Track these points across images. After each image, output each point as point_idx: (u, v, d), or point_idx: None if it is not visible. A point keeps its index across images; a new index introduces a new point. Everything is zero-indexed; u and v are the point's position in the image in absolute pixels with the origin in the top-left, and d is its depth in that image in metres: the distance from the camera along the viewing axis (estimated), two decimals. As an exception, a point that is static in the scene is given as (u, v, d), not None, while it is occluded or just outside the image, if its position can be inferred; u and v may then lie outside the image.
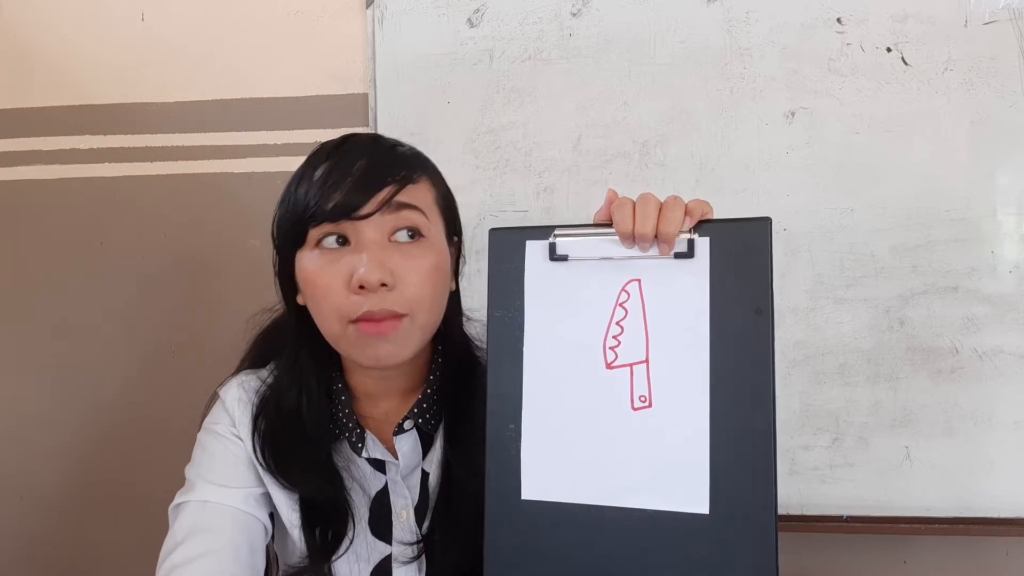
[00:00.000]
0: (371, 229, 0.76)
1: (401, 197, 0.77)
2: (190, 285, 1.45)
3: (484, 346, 0.82)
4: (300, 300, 0.83)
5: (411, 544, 0.83)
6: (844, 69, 1.28)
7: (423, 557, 0.83)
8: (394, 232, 0.77)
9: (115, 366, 1.47)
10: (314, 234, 0.77)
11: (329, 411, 0.85)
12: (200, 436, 0.87)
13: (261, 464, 0.83)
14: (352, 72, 1.39)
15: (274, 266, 0.86)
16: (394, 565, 0.83)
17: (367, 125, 1.38)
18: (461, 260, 0.89)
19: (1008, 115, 1.25)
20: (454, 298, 0.87)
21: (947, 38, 1.26)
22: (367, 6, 1.37)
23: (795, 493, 1.31)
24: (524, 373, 0.71)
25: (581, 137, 1.33)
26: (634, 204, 0.70)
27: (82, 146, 1.46)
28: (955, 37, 1.26)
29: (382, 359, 0.77)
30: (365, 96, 1.38)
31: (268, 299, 1.43)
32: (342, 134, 0.84)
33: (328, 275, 0.76)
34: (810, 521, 1.31)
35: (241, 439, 0.85)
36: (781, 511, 1.36)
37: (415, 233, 0.78)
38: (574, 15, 1.33)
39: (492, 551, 0.70)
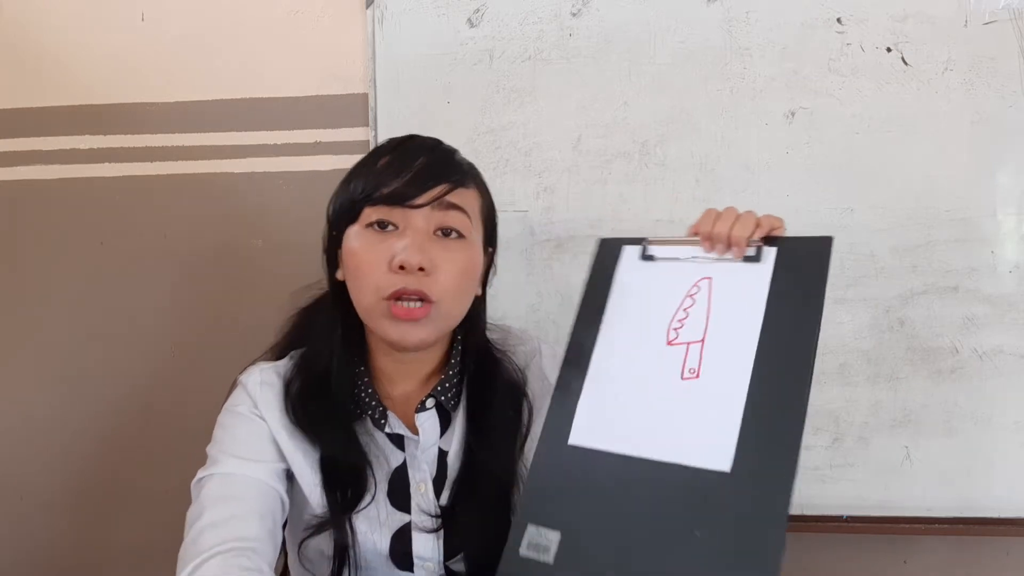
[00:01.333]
0: (420, 219, 0.84)
1: (452, 197, 0.85)
2: (190, 285, 1.45)
3: (504, 350, 0.96)
4: (340, 276, 0.90)
5: (431, 515, 0.88)
6: (844, 69, 1.28)
7: (440, 526, 0.88)
8: (439, 227, 0.85)
9: (115, 366, 1.47)
10: (368, 213, 0.85)
11: (352, 390, 0.91)
12: (221, 418, 0.91)
13: (291, 418, 0.88)
14: (352, 72, 1.39)
15: (324, 241, 0.93)
16: (414, 532, 0.88)
17: (367, 125, 1.38)
18: (492, 270, 0.96)
19: (1008, 115, 1.25)
20: (479, 303, 0.94)
21: (947, 38, 1.26)
22: (367, 6, 1.37)
23: (795, 493, 1.31)
24: (599, 337, 0.82)
25: (581, 137, 1.33)
26: (719, 214, 0.82)
27: (82, 146, 1.46)
28: (955, 37, 1.26)
29: (407, 337, 0.85)
30: (365, 96, 1.38)
31: (268, 299, 1.43)
32: (403, 135, 0.92)
33: (373, 253, 0.84)
34: (810, 521, 1.31)
35: (264, 418, 0.89)
36: (781, 511, 1.35)
37: (457, 233, 0.86)
38: (574, 15, 1.33)
39: (533, 490, 0.78)
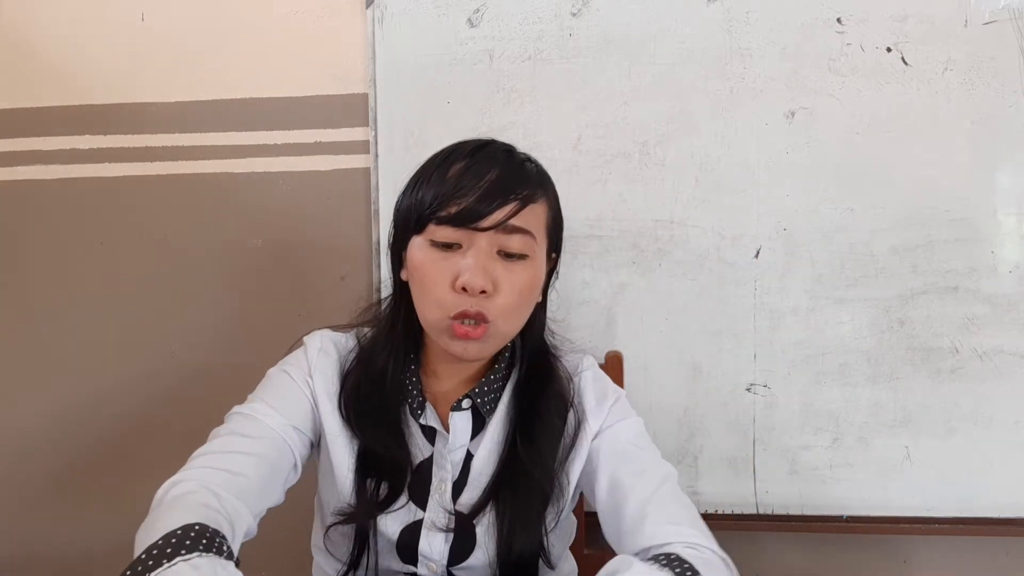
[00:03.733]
0: (484, 240, 0.83)
1: (517, 220, 0.84)
2: (190, 285, 1.45)
3: (560, 354, 0.97)
4: (404, 276, 0.90)
5: (446, 515, 0.88)
6: (844, 69, 1.28)
7: (452, 530, 0.88)
8: (501, 250, 0.85)
9: (115, 366, 1.47)
10: (433, 230, 0.84)
11: (402, 382, 0.92)
12: (271, 371, 0.94)
13: (342, 414, 0.90)
14: (352, 72, 1.39)
15: (389, 238, 0.94)
16: (424, 529, 0.89)
17: (367, 125, 1.38)
18: (555, 275, 0.97)
19: (1008, 115, 1.25)
20: (539, 308, 0.95)
21: (947, 38, 1.26)
22: (367, 6, 1.37)
23: (795, 493, 1.31)
24: None
25: (581, 137, 1.33)
26: None
27: (82, 146, 1.46)
28: (955, 37, 1.26)
29: (466, 354, 0.86)
30: (365, 96, 1.38)
31: (268, 299, 1.43)
32: (482, 139, 0.90)
33: (436, 270, 0.84)
34: (810, 521, 1.31)
35: (311, 385, 0.91)
36: (781, 511, 1.37)
37: (519, 255, 0.85)
38: (574, 15, 1.33)
39: None
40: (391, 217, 0.93)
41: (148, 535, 0.73)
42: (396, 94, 1.36)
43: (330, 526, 0.89)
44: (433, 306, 0.85)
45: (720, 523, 1.31)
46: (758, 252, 1.30)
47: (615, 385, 0.98)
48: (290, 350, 0.96)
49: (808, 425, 1.31)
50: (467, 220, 0.82)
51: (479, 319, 0.83)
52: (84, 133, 1.46)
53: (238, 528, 0.77)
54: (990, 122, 1.26)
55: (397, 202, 0.91)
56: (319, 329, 0.97)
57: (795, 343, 1.30)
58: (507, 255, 0.85)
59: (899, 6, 1.27)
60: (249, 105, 1.42)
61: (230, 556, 0.71)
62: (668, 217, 1.32)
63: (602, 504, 0.89)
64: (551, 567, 0.92)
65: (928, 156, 1.27)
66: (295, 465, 0.88)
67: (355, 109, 1.39)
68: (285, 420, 0.87)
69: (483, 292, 0.83)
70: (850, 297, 1.29)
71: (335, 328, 0.98)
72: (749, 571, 1.37)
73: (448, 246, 0.84)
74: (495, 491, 0.89)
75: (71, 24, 1.45)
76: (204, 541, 0.70)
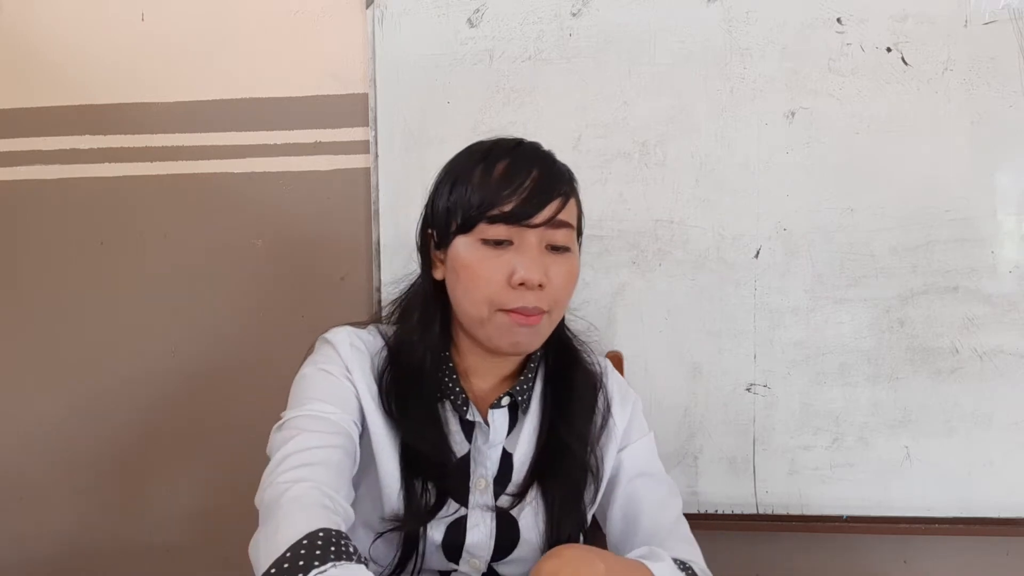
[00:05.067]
0: (534, 236, 0.86)
1: (563, 215, 0.87)
2: (190, 285, 1.45)
3: (580, 339, 1.00)
4: (438, 275, 0.91)
5: (489, 511, 0.89)
6: (844, 69, 1.28)
7: (495, 525, 0.89)
8: (549, 244, 0.87)
9: (116, 366, 1.47)
10: (484, 228, 0.85)
11: (440, 381, 0.92)
12: (307, 371, 0.90)
13: (385, 409, 0.88)
14: (352, 72, 1.39)
15: (417, 238, 0.94)
16: (468, 526, 0.89)
17: (367, 125, 1.38)
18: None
19: (1008, 115, 1.25)
20: None
21: (947, 38, 1.26)
22: (367, 6, 1.37)
23: (795, 493, 1.31)
24: None
25: (581, 137, 1.33)
26: None
27: (82, 146, 1.46)
28: (955, 37, 1.26)
29: (520, 346, 0.88)
30: (365, 96, 1.38)
31: (268, 298, 1.43)
32: (515, 138, 0.92)
33: (490, 268, 0.85)
34: (810, 521, 1.31)
35: (352, 380, 0.89)
36: (781, 511, 1.37)
37: (565, 248, 0.89)
38: (574, 15, 1.33)
39: None
40: (420, 217, 0.94)
41: (271, 544, 0.70)
42: (396, 94, 1.36)
43: (380, 534, 0.88)
44: (483, 302, 0.86)
45: (720, 523, 1.31)
46: (758, 252, 1.30)
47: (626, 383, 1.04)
48: (309, 350, 0.93)
49: (808, 425, 1.31)
50: (520, 218, 0.84)
51: (538, 312, 0.86)
52: (84, 133, 1.46)
53: (351, 524, 0.78)
54: (990, 122, 1.26)
55: (429, 204, 0.92)
56: (339, 327, 0.94)
57: (795, 343, 1.30)
58: (553, 248, 0.87)
59: (899, 6, 1.27)
60: (249, 105, 1.42)
61: (360, 559, 0.70)
62: (668, 217, 1.31)
63: (615, 517, 0.94)
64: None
65: (928, 156, 1.27)
66: (355, 458, 0.87)
67: (355, 109, 1.39)
68: (346, 415, 0.86)
69: (540, 286, 0.85)
70: (850, 297, 1.29)
71: (355, 325, 0.96)
72: (749, 571, 1.37)
73: (499, 243, 0.85)
74: (536, 476, 0.90)
75: (71, 24, 1.45)
76: (332, 548, 0.69)
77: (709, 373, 1.32)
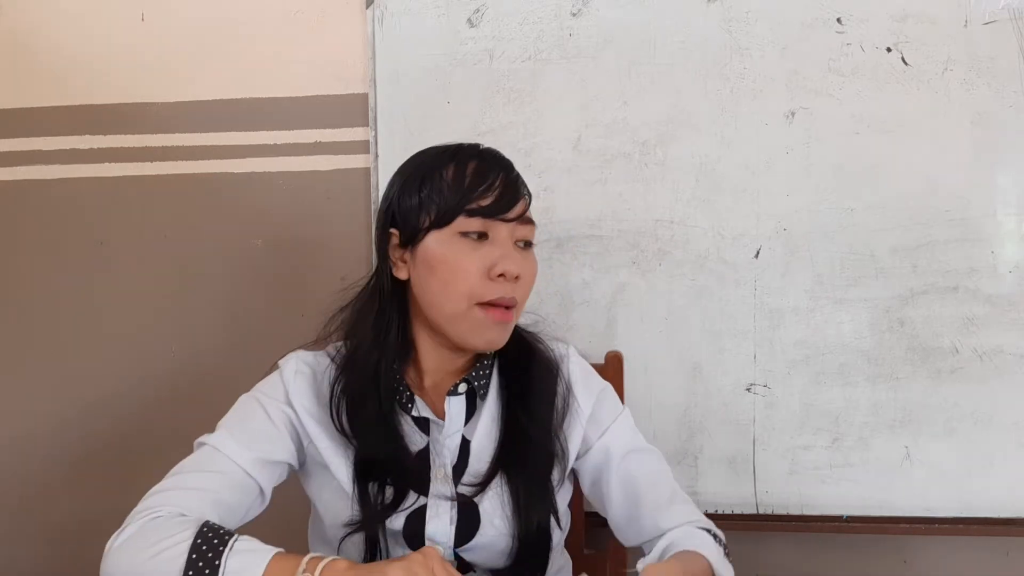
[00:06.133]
0: (507, 231, 0.89)
1: (529, 213, 0.92)
2: (190, 285, 1.45)
3: (533, 333, 1.00)
4: (401, 274, 0.92)
5: (449, 500, 0.90)
6: (844, 69, 1.28)
7: (455, 512, 0.90)
8: (520, 239, 0.91)
9: (115, 366, 1.47)
10: (463, 222, 0.87)
11: (393, 384, 0.93)
12: (243, 397, 0.95)
13: (336, 425, 0.90)
14: (352, 72, 1.39)
15: (376, 240, 0.96)
16: (428, 514, 0.90)
17: (367, 125, 1.38)
18: None
19: (1008, 115, 1.25)
20: None
21: (947, 38, 1.26)
22: (367, 6, 1.37)
23: (795, 493, 1.31)
24: None
25: (581, 137, 1.33)
26: None
27: (82, 146, 1.46)
28: (955, 37, 1.26)
29: (495, 342, 0.91)
30: (365, 96, 1.38)
31: (268, 299, 1.43)
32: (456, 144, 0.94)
33: (468, 260, 0.87)
34: (810, 521, 1.31)
35: (294, 409, 0.92)
36: (781, 511, 1.37)
37: (529, 243, 0.93)
38: (574, 15, 1.33)
39: None
40: (375, 219, 0.95)
41: (153, 556, 0.76)
42: (396, 94, 1.36)
43: (342, 539, 0.89)
44: (461, 296, 0.87)
45: (720, 523, 1.30)
46: (758, 252, 1.30)
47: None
48: (266, 373, 0.96)
49: (808, 425, 1.30)
50: (497, 212, 0.88)
51: (512, 304, 0.89)
52: (84, 133, 1.46)
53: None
54: (990, 122, 1.26)
55: (390, 204, 0.93)
56: (293, 352, 0.97)
57: (795, 343, 1.30)
58: (523, 244, 0.92)
59: (899, 6, 1.27)
60: (249, 105, 1.42)
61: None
62: (668, 217, 1.32)
63: (616, 501, 0.96)
64: (561, 528, 0.95)
65: (928, 156, 1.27)
66: (260, 495, 0.90)
67: (355, 109, 1.39)
68: (251, 454, 0.88)
69: (516, 279, 0.88)
70: (850, 297, 1.29)
71: (307, 347, 0.98)
72: (749, 571, 1.37)
73: (477, 236, 0.88)
74: (500, 464, 0.91)
75: (71, 24, 1.45)
76: (222, 531, 0.77)
77: (709, 373, 1.32)
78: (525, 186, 0.94)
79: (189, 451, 0.91)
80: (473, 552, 0.91)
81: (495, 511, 0.90)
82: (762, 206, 1.30)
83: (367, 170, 1.39)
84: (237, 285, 1.44)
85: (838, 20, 1.28)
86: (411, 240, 0.90)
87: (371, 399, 0.90)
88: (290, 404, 0.92)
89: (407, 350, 0.95)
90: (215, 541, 0.75)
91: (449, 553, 0.90)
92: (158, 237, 1.46)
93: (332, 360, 0.95)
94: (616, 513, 0.96)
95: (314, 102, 1.41)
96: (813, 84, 1.28)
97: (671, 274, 1.32)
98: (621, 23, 1.32)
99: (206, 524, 0.77)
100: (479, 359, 0.97)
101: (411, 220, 0.90)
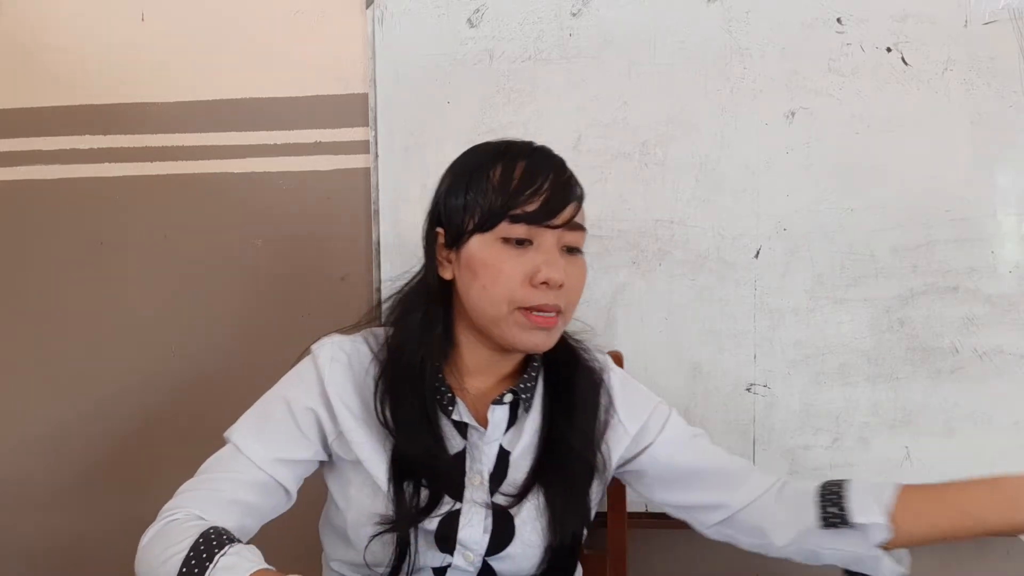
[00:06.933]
0: (553, 237, 0.87)
1: (578, 218, 0.90)
2: (190, 285, 1.45)
3: (576, 338, 1.00)
4: (446, 274, 0.91)
5: (484, 506, 0.89)
6: (844, 69, 1.28)
7: (490, 521, 0.89)
8: (566, 245, 0.89)
9: (115, 366, 1.47)
10: (506, 228, 0.86)
11: (434, 383, 0.92)
12: (273, 391, 0.94)
13: (379, 418, 0.89)
14: (352, 72, 1.39)
15: (424, 237, 0.94)
16: (461, 519, 0.89)
17: (367, 125, 1.38)
18: None
19: (1008, 115, 1.25)
20: None
21: (947, 38, 1.26)
22: (367, 6, 1.37)
23: (795, 493, 1.31)
24: None
25: (581, 137, 1.33)
26: None
27: (82, 146, 1.46)
28: (955, 37, 1.26)
29: (539, 346, 0.89)
30: (365, 96, 1.38)
31: (268, 298, 1.43)
32: (506, 140, 0.93)
33: (512, 267, 0.86)
34: (810, 521, 1.30)
35: (327, 396, 0.90)
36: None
37: (578, 250, 0.92)
38: (574, 15, 1.33)
39: None
40: (426, 215, 0.93)
41: (165, 561, 0.78)
42: (396, 94, 1.36)
43: (372, 536, 0.88)
44: (503, 301, 0.86)
45: (720, 523, 1.31)
46: (758, 252, 1.30)
47: (633, 379, 1.04)
48: (298, 358, 0.94)
49: (808, 425, 1.31)
50: (542, 218, 0.86)
51: (557, 311, 0.87)
52: (84, 133, 1.46)
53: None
54: (990, 122, 1.26)
55: (438, 203, 0.92)
56: (328, 336, 0.95)
57: (795, 343, 1.30)
58: (569, 250, 0.89)
59: (899, 6, 1.27)
60: (249, 105, 1.42)
61: (240, 542, 0.78)
62: (668, 217, 1.32)
63: (678, 491, 0.98)
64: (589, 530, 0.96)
65: (928, 156, 1.27)
66: (285, 494, 0.90)
67: (355, 109, 1.39)
68: (273, 455, 0.88)
69: (560, 286, 0.86)
70: (850, 297, 1.29)
71: (343, 331, 0.96)
72: (749, 571, 1.37)
73: (520, 242, 0.86)
74: (538, 476, 0.91)
75: (71, 24, 1.45)
76: (224, 536, 0.78)
77: (709, 373, 1.32)
78: (578, 186, 0.91)
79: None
80: (503, 561, 0.90)
81: (530, 522, 0.90)
82: (762, 206, 1.30)
83: (367, 170, 1.39)
84: (237, 285, 1.44)
85: (838, 20, 1.28)
86: (456, 241, 0.89)
87: (413, 396, 0.89)
88: (324, 393, 0.90)
89: (450, 350, 0.94)
90: (204, 556, 0.75)
91: (478, 561, 0.89)
92: (158, 237, 1.46)
93: (371, 349, 0.93)
94: (693, 501, 0.97)
95: (314, 102, 1.41)
96: (813, 84, 1.28)
97: (671, 274, 1.32)
98: (621, 23, 1.32)
99: (203, 534, 0.77)
100: (526, 367, 0.96)
101: (456, 221, 0.89)
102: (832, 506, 0.88)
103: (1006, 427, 1.27)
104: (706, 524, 0.97)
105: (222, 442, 0.92)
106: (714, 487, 0.96)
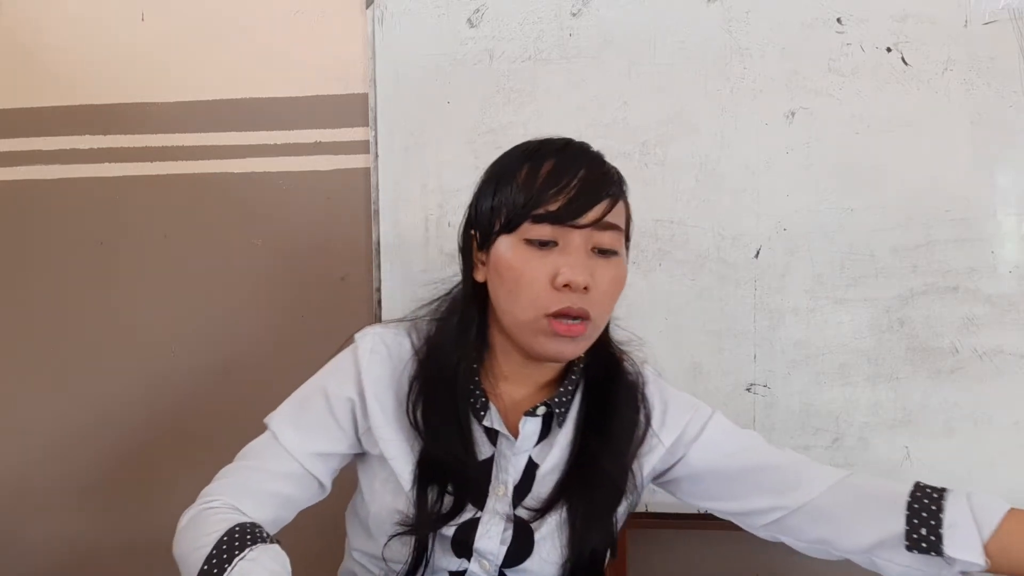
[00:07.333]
0: (580, 238, 0.83)
1: (610, 217, 0.84)
2: (190, 285, 1.45)
3: (624, 350, 0.96)
4: (479, 277, 0.89)
5: (505, 518, 0.88)
6: (844, 69, 1.28)
7: (509, 533, 0.88)
8: (596, 247, 0.85)
9: (115, 366, 1.47)
10: (528, 228, 0.83)
11: (468, 386, 0.91)
12: (313, 381, 0.93)
13: (410, 419, 0.88)
14: (352, 72, 1.39)
15: (460, 238, 0.92)
16: (480, 527, 0.88)
17: (367, 125, 1.38)
18: None
19: (1008, 115, 1.25)
20: None
21: (947, 38, 1.26)
22: (367, 6, 1.37)
23: (795, 493, 1.31)
24: None
25: (581, 137, 1.32)
26: None
27: (82, 146, 1.46)
28: (955, 37, 1.26)
29: (563, 354, 0.86)
30: (365, 96, 1.38)
31: (268, 298, 1.43)
32: (562, 139, 0.90)
33: (534, 269, 0.83)
34: (810, 521, 1.30)
35: (362, 388, 0.90)
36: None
37: (612, 251, 0.86)
38: (574, 15, 1.33)
39: None
40: (463, 218, 0.92)
41: (195, 550, 0.78)
42: (396, 94, 1.36)
43: (391, 537, 0.88)
44: (528, 305, 0.83)
45: (720, 523, 1.31)
46: (758, 252, 1.30)
47: (674, 389, 0.99)
48: (339, 348, 0.94)
49: (808, 425, 1.30)
50: (566, 218, 0.82)
51: (582, 316, 0.83)
52: (84, 133, 1.46)
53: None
54: (990, 122, 1.26)
55: (474, 204, 0.90)
56: (371, 326, 0.94)
57: (795, 343, 1.30)
58: (600, 251, 0.85)
59: (899, 6, 1.27)
60: (249, 105, 1.42)
61: (273, 540, 0.78)
62: (668, 217, 1.32)
63: (722, 497, 0.94)
64: (615, 555, 0.94)
65: (928, 156, 1.27)
66: (320, 486, 0.91)
67: (355, 109, 1.39)
68: (308, 447, 0.89)
69: (585, 288, 0.82)
70: (850, 297, 1.29)
71: (385, 323, 0.96)
72: (749, 571, 1.37)
73: (544, 244, 0.83)
74: (564, 492, 0.88)
75: (71, 24, 1.46)
76: (249, 536, 0.77)
77: (709, 373, 1.32)
78: (613, 184, 0.86)
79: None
80: (520, 574, 0.89)
81: (550, 539, 0.88)
82: (762, 206, 1.30)
83: (367, 170, 1.39)
84: (237, 285, 1.44)
85: (838, 20, 1.28)
86: (486, 243, 0.87)
87: (447, 397, 0.88)
88: (360, 384, 0.90)
89: (485, 354, 0.92)
90: (224, 557, 0.75)
91: (494, 571, 0.89)
92: (158, 237, 1.46)
93: (412, 344, 0.92)
94: (747, 508, 0.93)
95: (314, 102, 1.41)
96: (813, 84, 1.28)
97: (671, 274, 1.32)
98: (621, 23, 1.32)
99: (228, 532, 0.78)
100: (564, 379, 0.92)
101: (485, 222, 0.87)
102: (923, 526, 0.81)
103: (1006, 427, 1.27)
104: (755, 526, 0.94)
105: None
106: (762, 489, 0.91)
